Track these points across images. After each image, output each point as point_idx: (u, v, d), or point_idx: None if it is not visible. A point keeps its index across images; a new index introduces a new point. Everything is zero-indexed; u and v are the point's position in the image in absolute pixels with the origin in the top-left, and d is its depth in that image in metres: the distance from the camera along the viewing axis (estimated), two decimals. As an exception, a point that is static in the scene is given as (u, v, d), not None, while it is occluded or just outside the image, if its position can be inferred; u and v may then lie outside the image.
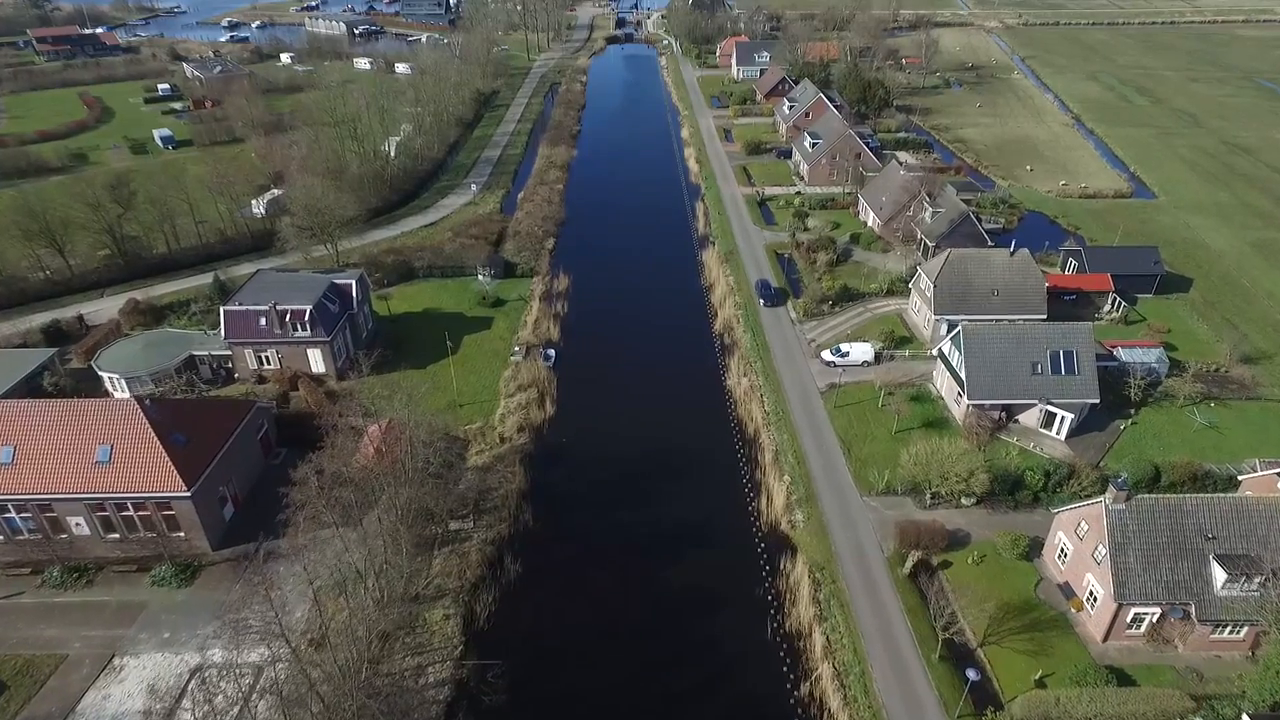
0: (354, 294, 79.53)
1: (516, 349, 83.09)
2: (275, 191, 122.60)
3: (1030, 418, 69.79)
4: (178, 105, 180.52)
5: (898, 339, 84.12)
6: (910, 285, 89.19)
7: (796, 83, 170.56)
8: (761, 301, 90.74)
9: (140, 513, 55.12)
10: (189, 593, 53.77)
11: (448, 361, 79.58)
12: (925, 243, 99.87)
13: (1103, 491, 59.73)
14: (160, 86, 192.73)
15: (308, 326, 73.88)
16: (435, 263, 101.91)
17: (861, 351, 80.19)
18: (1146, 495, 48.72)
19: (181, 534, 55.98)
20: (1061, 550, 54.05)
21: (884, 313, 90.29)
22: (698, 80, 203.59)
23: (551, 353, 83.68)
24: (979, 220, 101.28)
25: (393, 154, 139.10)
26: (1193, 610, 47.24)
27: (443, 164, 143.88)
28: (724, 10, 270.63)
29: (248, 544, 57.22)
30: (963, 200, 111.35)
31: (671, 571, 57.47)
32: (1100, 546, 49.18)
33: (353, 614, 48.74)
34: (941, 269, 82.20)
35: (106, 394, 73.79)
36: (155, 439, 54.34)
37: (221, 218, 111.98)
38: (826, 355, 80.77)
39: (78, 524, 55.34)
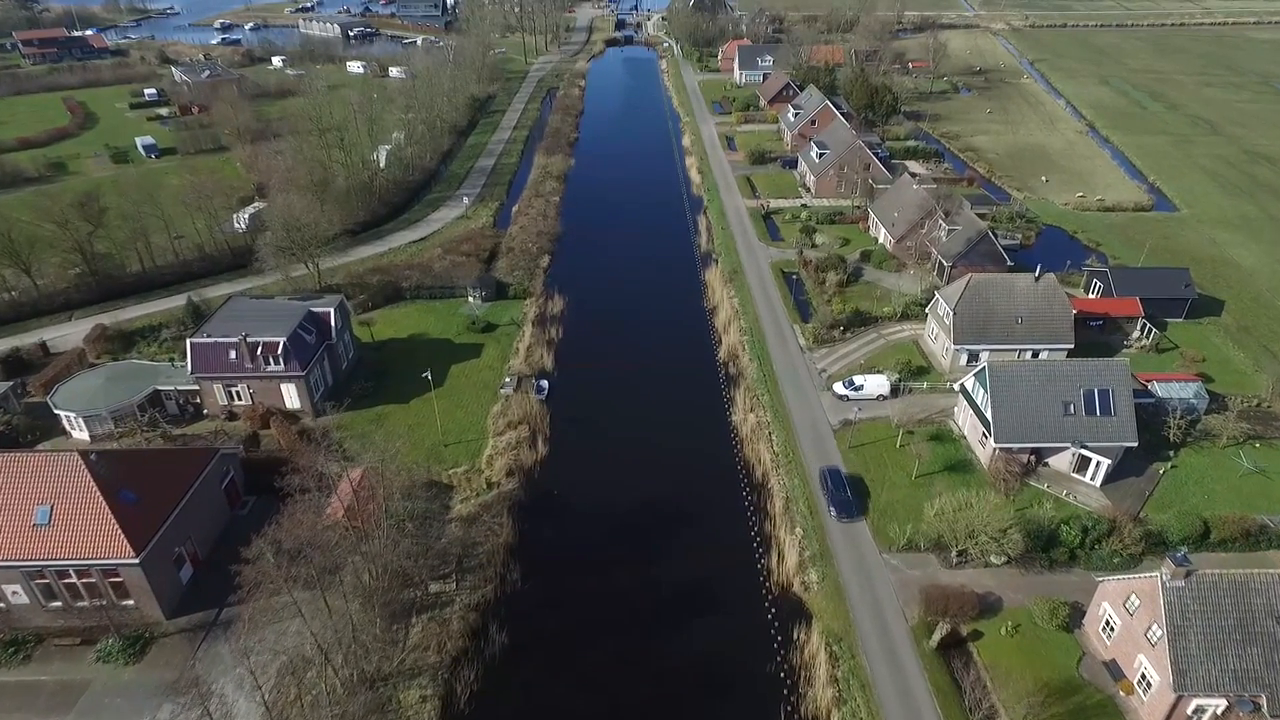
0: (333, 322, 74.12)
1: (507, 380, 77.65)
2: (259, 204, 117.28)
3: (1062, 461, 64.39)
4: (164, 111, 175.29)
5: (914, 369, 78.68)
6: (927, 310, 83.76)
7: (801, 88, 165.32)
8: (833, 511, 60.68)
9: (84, 580, 49.76)
10: (137, 670, 48.31)
11: (433, 395, 74.21)
12: (941, 262, 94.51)
13: (1148, 551, 55.04)
14: (147, 91, 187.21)
15: (281, 360, 68.44)
16: (423, 283, 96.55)
17: (877, 384, 74.78)
18: (1208, 571, 43.29)
19: (131, 602, 50.59)
20: (1107, 623, 48.64)
21: (899, 339, 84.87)
22: (699, 85, 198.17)
23: (544, 384, 78.24)
24: (996, 237, 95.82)
25: (383, 164, 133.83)
26: (1264, 703, 41.85)
27: (435, 174, 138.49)
28: (725, 12, 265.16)
29: (206, 610, 51.97)
30: (977, 214, 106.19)
31: (674, 643, 52.02)
32: (1155, 626, 43.80)
33: (315, 702, 43.36)
34: (961, 295, 76.79)
35: (64, 433, 68.60)
36: (100, 498, 48.93)
37: (200, 233, 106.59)
38: (839, 388, 75.37)
39: (14, 592, 49.95)
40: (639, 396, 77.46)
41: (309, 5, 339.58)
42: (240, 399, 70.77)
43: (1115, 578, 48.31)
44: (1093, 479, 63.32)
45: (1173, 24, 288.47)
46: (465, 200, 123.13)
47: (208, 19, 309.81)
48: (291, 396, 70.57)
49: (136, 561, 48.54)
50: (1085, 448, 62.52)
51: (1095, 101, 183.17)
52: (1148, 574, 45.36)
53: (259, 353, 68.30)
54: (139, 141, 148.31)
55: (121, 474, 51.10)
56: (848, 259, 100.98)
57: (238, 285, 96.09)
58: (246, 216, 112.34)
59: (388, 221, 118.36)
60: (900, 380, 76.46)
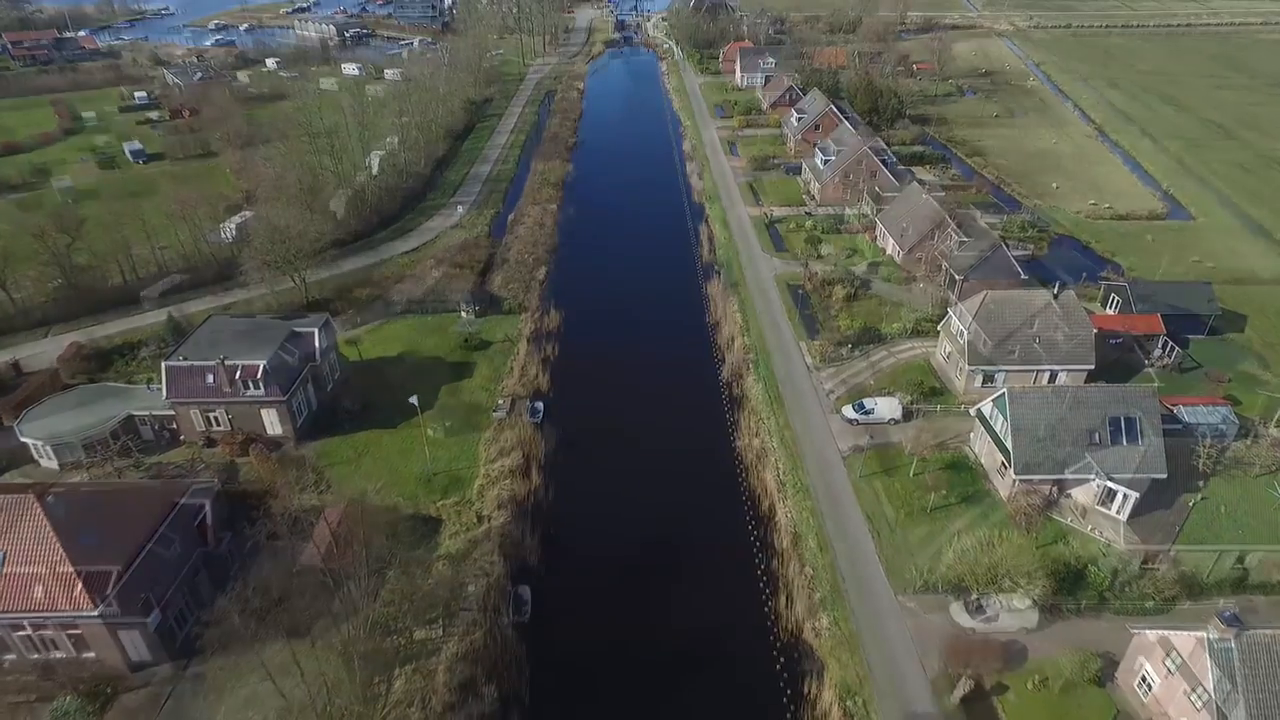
0: (317, 343, 70.50)
1: (500, 402, 74.03)
2: (247, 213, 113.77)
3: (1086, 494, 60.78)
4: (154, 115, 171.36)
5: (927, 390, 75.04)
6: (940, 328, 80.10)
7: (804, 92, 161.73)
8: None
9: (40, 632, 46.25)
10: (97, 731, 44.83)
11: (421, 419, 70.77)
12: (952, 275, 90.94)
13: (1183, 594, 51.58)
14: (137, 94, 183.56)
15: (261, 385, 64.85)
16: (415, 297, 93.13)
17: (888, 407, 71.20)
18: (1259, 631, 39.78)
19: (92, 654, 47.07)
20: (1144, 679, 45.12)
21: (909, 357, 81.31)
22: (700, 87, 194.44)
23: (539, 406, 74.66)
24: (1009, 249, 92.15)
25: (375, 170, 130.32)
26: (1321, 777, 38.39)
27: (429, 181, 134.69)
28: (727, 13, 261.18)
29: (175, 661, 48.43)
30: (988, 224, 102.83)
31: (676, 698, 48.50)
32: (1200, 689, 40.28)
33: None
34: (976, 313, 73.25)
35: (33, 462, 65.05)
36: (57, 543, 45.42)
37: (184, 244, 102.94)
38: (848, 411, 71.76)
39: (-35, 646, 46.54)
40: (638, 419, 73.76)
41: (305, 6, 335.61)
42: (219, 424, 67.19)
43: (1152, 631, 44.78)
44: (1119, 512, 59.71)
45: (1179, 24, 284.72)
46: (459, 209, 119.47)
47: (202, 20, 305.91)
48: (273, 422, 66.99)
49: (96, 614, 45.02)
50: (1111, 479, 58.98)
51: (1104, 104, 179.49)
52: (1191, 630, 41.86)
53: (238, 377, 64.73)
54: (126, 147, 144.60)
55: (82, 515, 47.57)
56: (855, 271, 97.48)
57: (223, 299, 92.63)
58: (233, 226, 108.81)
59: (379, 230, 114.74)
60: (912, 403, 72.94)
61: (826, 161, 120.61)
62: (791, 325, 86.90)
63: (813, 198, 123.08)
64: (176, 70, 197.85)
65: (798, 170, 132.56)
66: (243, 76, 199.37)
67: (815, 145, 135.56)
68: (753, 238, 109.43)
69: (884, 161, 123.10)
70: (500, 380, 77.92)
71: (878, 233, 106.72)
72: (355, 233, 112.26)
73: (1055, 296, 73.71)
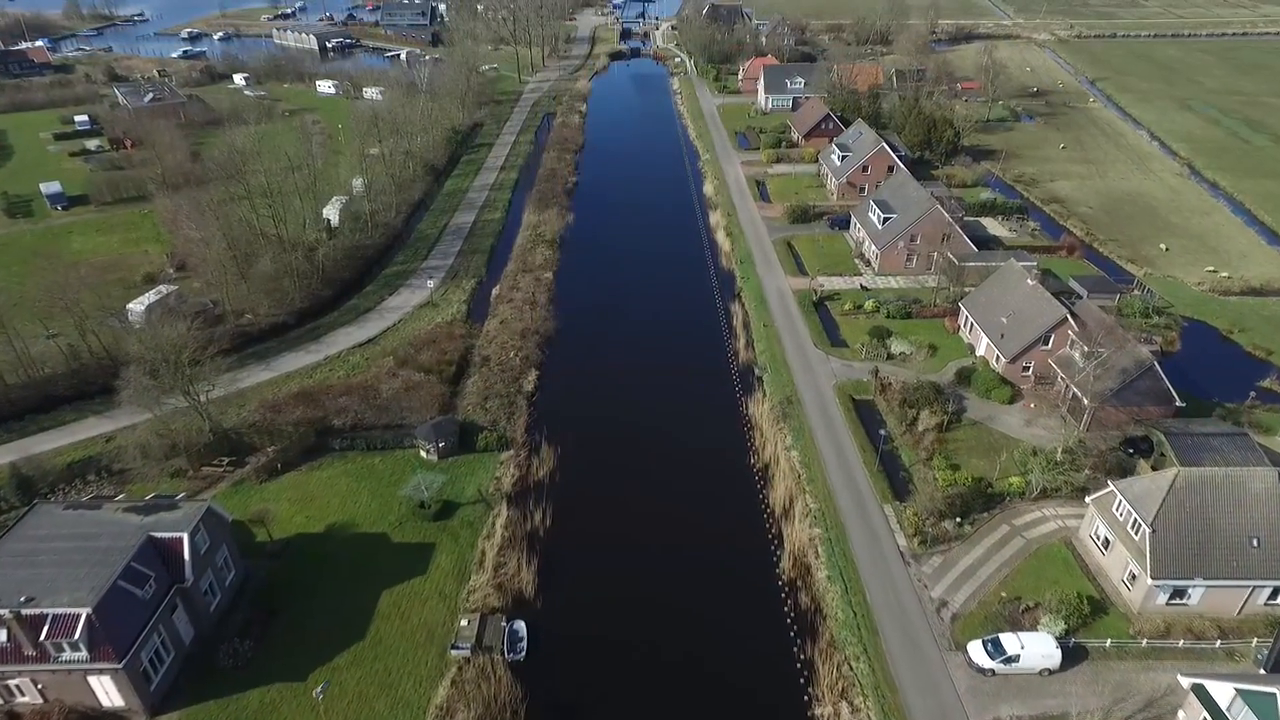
0: (187, 554, 47.14)
1: (463, 625, 50.58)
2: (167, 288, 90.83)
3: None
4: (92, 144, 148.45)
5: (1084, 604, 51.43)
6: (1090, 501, 56.51)
7: (844, 120, 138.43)
8: None
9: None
10: None
11: (353, 652, 47.97)
12: (1079, 400, 67.71)
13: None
14: (78, 118, 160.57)
15: (83, 645, 41.65)
16: (362, 420, 70.17)
17: (1040, 650, 47.54)
18: None
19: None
20: None
21: (1043, 536, 57.91)
22: (718, 110, 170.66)
23: (521, 631, 51.07)
24: (1161, 366, 68.66)
25: (335, 221, 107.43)
26: None
27: (400, 234, 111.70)
28: (743, 22, 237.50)
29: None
30: (1098, 305, 79.70)
31: None
32: None
33: None
34: (1163, 503, 49.97)
35: None
36: None
37: (77, 328, 79.59)
38: (976, 652, 48.37)
39: None
40: (667, 650, 50.54)
41: (289, 12, 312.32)
42: (24, 694, 44.03)
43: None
44: None
45: (1234, 34, 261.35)
46: (429, 284, 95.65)
47: (174, 27, 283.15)
48: (108, 691, 43.78)
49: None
50: None
51: (1184, 133, 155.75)
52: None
53: (45, 636, 41.54)
54: (44, 188, 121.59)
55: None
56: (940, 382, 74.13)
57: (99, 427, 69.65)
58: (143, 307, 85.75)
59: (331, 310, 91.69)
60: (1067, 634, 49.57)
61: (887, 220, 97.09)
62: (869, 477, 63.40)
63: (868, 263, 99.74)
64: (129, 89, 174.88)
65: (845, 224, 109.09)
66: (205, 96, 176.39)
67: (862, 191, 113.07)
68: (800, 325, 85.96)
69: (958, 218, 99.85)
70: (466, 578, 54.53)
71: (963, 322, 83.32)
72: (300, 312, 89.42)
73: (1281, 478, 50.32)
